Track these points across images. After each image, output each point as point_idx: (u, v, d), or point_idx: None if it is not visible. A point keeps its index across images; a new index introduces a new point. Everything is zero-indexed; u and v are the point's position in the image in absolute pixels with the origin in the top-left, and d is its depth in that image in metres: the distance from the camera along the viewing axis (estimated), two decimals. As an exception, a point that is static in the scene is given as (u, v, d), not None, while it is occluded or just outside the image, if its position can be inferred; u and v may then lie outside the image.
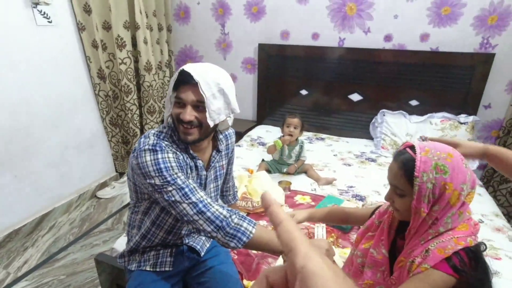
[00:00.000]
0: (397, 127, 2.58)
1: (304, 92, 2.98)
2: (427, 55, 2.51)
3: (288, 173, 2.20)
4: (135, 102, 2.74)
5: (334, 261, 0.98)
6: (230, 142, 1.27)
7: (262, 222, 1.65)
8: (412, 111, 2.63)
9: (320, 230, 1.56)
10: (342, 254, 1.40)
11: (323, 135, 2.95)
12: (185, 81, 0.99)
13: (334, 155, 2.54)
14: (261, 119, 3.22)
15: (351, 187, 2.05)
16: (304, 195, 1.91)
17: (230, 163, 1.42)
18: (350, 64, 2.73)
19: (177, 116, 1.03)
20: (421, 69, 2.54)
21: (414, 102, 2.66)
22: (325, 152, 2.60)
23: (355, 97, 2.82)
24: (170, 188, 0.98)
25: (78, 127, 2.55)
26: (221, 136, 1.23)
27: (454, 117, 2.47)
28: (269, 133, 2.93)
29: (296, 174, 2.20)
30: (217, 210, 0.99)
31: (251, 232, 0.98)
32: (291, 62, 2.92)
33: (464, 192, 0.79)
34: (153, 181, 0.98)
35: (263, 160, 2.31)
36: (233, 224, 0.98)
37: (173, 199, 0.98)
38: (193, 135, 1.05)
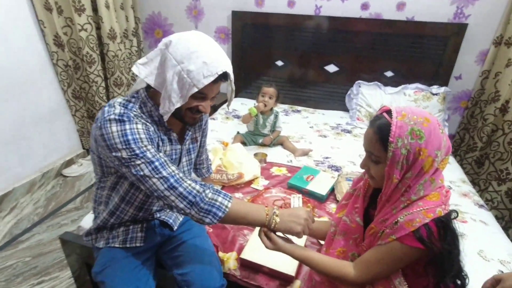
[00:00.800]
0: (372, 98, 2.58)
1: (280, 63, 2.90)
2: (403, 25, 2.48)
3: (263, 145, 2.16)
4: (100, 74, 2.55)
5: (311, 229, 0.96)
6: (203, 114, 1.19)
7: (238, 195, 1.61)
8: (387, 82, 2.63)
9: (296, 200, 1.54)
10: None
11: (299, 107, 2.91)
12: (217, 79, 0.90)
13: (310, 127, 2.52)
14: (236, 92, 3.12)
15: (327, 158, 2.05)
16: (280, 166, 1.88)
17: (203, 135, 1.35)
18: (326, 34, 2.66)
19: (194, 108, 0.97)
20: (397, 39, 2.53)
21: (389, 73, 2.66)
22: (301, 124, 2.57)
23: (331, 68, 2.77)
24: (138, 162, 0.90)
25: (35, 100, 2.33)
26: None
27: (426, 88, 2.50)
28: (244, 106, 2.85)
29: (272, 146, 2.17)
30: (189, 185, 0.93)
31: (226, 206, 0.93)
32: (266, 31, 2.80)
33: (438, 159, 0.77)
34: (119, 154, 0.89)
35: (238, 132, 2.25)
36: (207, 199, 0.92)
37: (141, 173, 0.90)
38: (198, 119, 1.04)
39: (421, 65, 2.57)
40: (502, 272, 1.22)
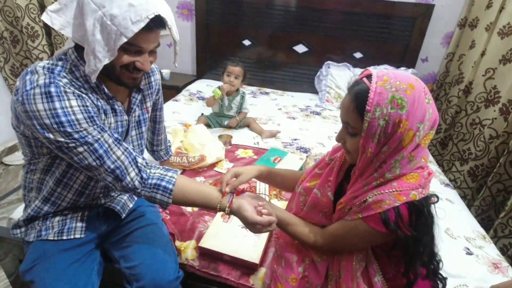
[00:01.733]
0: (342, 79, 2.53)
1: (247, 42, 2.75)
2: (371, 4, 2.42)
3: (229, 127, 2.03)
4: (46, 49, 2.27)
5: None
6: (153, 80, 1.04)
7: (200, 179, 1.48)
8: (356, 63, 2.58)
9: (262, 184, 1.44)
10: (285, 207, 1.30)
11: (268, 89, 2.80)
12: (150, 26, 0.74)
13: (279, 109, 2.43)
14: (201, 73, 2.95)
15: (295, 139, 1.96)
16: (246, 149, 1.77)
17: (158, 108, 1.19)
18: (295, 12, 2.55)
19: (129, 65, 0.80)
20: (366, 19, 2.47)
21: (358, 55, 2.61)
22: (269, 106, 2.47)
23: (300, 48, 2.67)
24: (80, 149, 0.77)
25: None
26: None
27: (394, 69, 2.48)
28: (210, 88, 2.69)
29: (238, 128, 2.05)
30: (141, 162, 0.85)
31: (175, 178, 0.86)
32: (233, 8, 2.64)
33: (419, 133, 0.68)
34: (52, 137, 0.74)
35: (202, 114, 2.10)
36: (157, 174, 0.85)
37: (86, 162, 0.78)
38: (140, 78, 0.87)
39: (389, 46, 2.54)
40: (469, 249, 1.20)
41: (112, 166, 0.79)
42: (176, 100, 2.42)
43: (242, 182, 0.90)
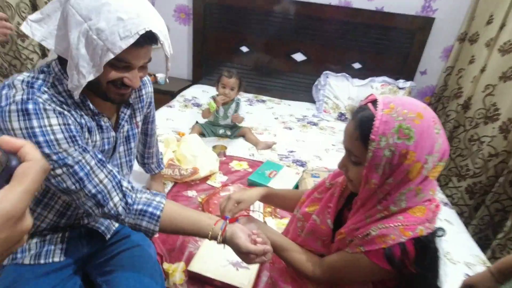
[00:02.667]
0: (340, 90, 2.49)
1: (244, 49, 2.71)
2: (372, 15, 2.39)
3: (225, 136, 1.98)
4: (36, 50, 2.19)
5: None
6: (145, 93, 0.98)
7: (192, 193, 1.42)
8: (354, 74, 2.55)
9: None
10: (280, 225, 1.25)
11: (264, 97, 2.75)
12: (140, 42, 0.68)
13: (275, 118, 2.38)
14: (197, 78, 2.89)
15: (292, 151, 1.91)
16: (241, 160, 1.72)
17: (149, 121, 1.14)
18: (294, 20, 2.51)
19: (116, 81, 0.74)
20: (365, 30, 2.44)
21: (357, 65, 2.57)
22: (266, 115, 2.42)
23: (299, 56, 2.63)
24: (58, 171, 0.71)
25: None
26: None
27: (393, 81, 2.45)
28: (206, 94, 2.63)
29: (233, 138, 1.99)
30: (126, 186, 0.80)
31: (163, 203, 0.80)
32: (231, 13, 2.59)
33: (427, 165, 0.63)
34: None
35: (196, 122, 2.04)
36: (144, 199, 0.80)
37: (64, 185, 0.72)
38: (128, 94, 0.81)
39: (388, 58, 2.51)
40: (468, 275, 1.16)
41: (93, 191, 0.73)
42: (171, 106, 2.36)
43: (242, 209, 0.86)
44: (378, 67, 2.52)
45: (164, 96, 2.61)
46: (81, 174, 0.71)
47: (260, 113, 2.44)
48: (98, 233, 0.95)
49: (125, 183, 0.78)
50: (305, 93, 2.74)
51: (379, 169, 0.64)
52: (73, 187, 0.71)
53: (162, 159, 1.36)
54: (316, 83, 2.64)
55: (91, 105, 0.78)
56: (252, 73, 2.77)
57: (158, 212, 0.77)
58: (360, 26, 2.43)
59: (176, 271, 1.01)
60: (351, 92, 2.46)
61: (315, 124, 2.36)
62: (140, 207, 0.77)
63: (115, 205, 0.75)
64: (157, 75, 2.75)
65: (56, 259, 0.88)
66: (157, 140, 1.28)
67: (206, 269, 0.98)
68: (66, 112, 0.72)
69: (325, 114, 2.48)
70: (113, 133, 0.88)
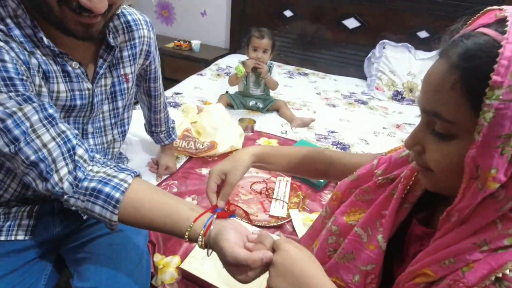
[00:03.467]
0: (398, 63, 2.07)
1: (288, 13, 2.38)
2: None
3: (256, 109, 1.73)
4: None
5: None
6: (138, 36, 0.75)
7: (206, 171, 1.21)
8: (418, 44, 2.10)
9: (282, 186, 1.13)
10: (308, 221, 0.99)
11: (307, 70, 2.42)
12: None
13: (317, 94, 2.06)
14: (234, 47, 2.64)
15: (333, 132, 1.61)
16: (271, 138, 1.46)
17: (150, 78, 0.92)
18: (349, -23, 2.12)
19: (71, 1, 0.51)
20: (439, -11, 1.97)
21: (423, 34, 2.12)
22: (306, 89, 2.11)
23: (351, 23, 2.24)
24: None
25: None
26: (116, 22, 0.71)
27: (469, 55, 1.98)
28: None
29: (265, 112, 1.73)
30: (81, 155, 0.58)
31: (127, 183, 0.57)
32: (275, -30, 2.27)
33: None
34: None
35: (226, 92, 1.81)
36: (101, 174, 0.57)
37: None
38: (97, 25, 0.57)
39: (468, 12, 2.02)
40: None
41: (32, 157, 0.53)
42: (201, 75, 2.15)
43: (233, 185, 0.60)
44: (451, 36, 2.05)
45: (197, 64, 2.42)
46: (16, 132, 0.51)
47: (301, 87, 2.13)
48: (73, 211, 0.76)
49: (80, 150, 0.57)
50: (355, 67, 2.36)
51: (506, 148, 0.33)
52: (6, 149, 0.52)
53: (174, 128, 1.15)
54: (369, 55, 2.24)
55: (44, 39, 0.56)
56: (296, 42, 2.45)
57: (117, 195, 0.55)
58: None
59: (168, 266, 0.81)
60: (413, 67, 2.04)
61: (364, 102, 2.00)
62: (92, 184, 0.56)
63: (60, 179, 0.55)
64: (192, 41, 2.55)
65: (20, 237, 0.71)
66: (165, 104, 1.06)
67: (203, 270, 0.76)
68: (2, 44, 0.52)
69: (378, 92, 2.10)
70: (88, 85, 0.67)
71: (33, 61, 0.56)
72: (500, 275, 0.34)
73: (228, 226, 0.53)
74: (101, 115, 0.74)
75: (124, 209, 0.55)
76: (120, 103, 0.76)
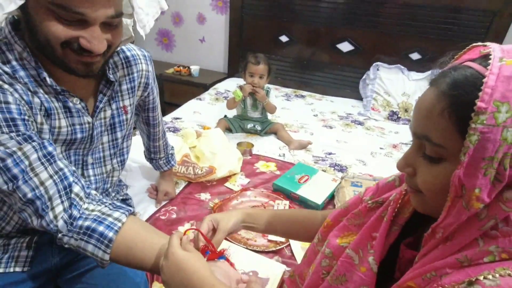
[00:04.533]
0: (393, 85, 2.12)
1: (284, 38, 2.45)
2: (438, -5, 2.00)
3: (254, 132, 1.76)
4: None
5: None
6: (136, 70, 0.78)
7: (205, 195, 1.21)
8: (411, 66, 2.16)
9: (281, 204, 1.14)
10: (307, 245, 0.99)
11: (304, 92, 2.47)
12: None
13: (314, 115, 2.10)
14: (232, 71, 2.70)
15: (330, 154, 1.62)
16: (269, 161, 1.48)
17: (148, 108, 0.95)
18: (343, 4, 2.20)
19: (71, 42, 0.55)
20: (428, 13, 2.04)
21: (415, 55, 2.18)
22: (304, 111, 2.15)
23: (345, 46, 2.31)
24: None
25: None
26: (116, 58, 0.74)
27: (461, 75, 2.03)
28: (240, 87, 2.44)
29: (263, 135, 1.76)
30: (77, 192, 0.60)
31: (121, 221, 0.58)
32: (271, -1, 2.36)
33: None
34: None
35: (225, 116, 1.84)
36: (96, 213, 0.59)
37: None
38: (97, 64, 0.60)
39: (456, 47, 2.08)
40: None
41: (29, 195, 0.54)
42: (200, 99, 2.20)
43: (225, 232, 0.62)
44: (442, 57, 2.11)
45: (197, 89, 2.47)
46: (15, 170, 0.53)
47: (298, 109, 2.17)
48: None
49: (76, 188, 0.58)
50: (351, 89, 2.41)
51: (491, 168, 0.35)
52: (5, 186, 0.54)
53: (173, 154, 1.17)
54: (364, 77, 2.29)
55: (47, 79, 0.59)
56: (292, 65, 2.51)
57: (110, 234, 0.55)
58: (421, 9, 2.05)
59: (166, 295, 0.80)
60: (407, 87, 2.09)
61: (360, 123, 2.03)
62: (87, 223, 0.56)
63: (55, 217, 0.56)
64: (191, 67, 2.62)
65: (18, 269, 0.71)
66: (164, 132, 1.09)
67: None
68: (6, 87, 0.55)
69: (374, 113, 2.14)
70: (88, 118, 0.69)
71: (36, 100, 0.59)
72: (474, 279, 0.36)
73: (217, 271, 0.53)
74: (100, 146, 0.77)
75: (116, 248, 0.56)
76: (119, 134, 0.79)
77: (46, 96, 0.61)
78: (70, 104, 0.65)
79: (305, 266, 0.66)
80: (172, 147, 1.19)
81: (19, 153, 0.53)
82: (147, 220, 1.07)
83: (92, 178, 0.76)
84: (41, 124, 0.60)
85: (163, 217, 1.09)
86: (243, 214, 0.66)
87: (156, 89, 0.94)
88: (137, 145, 1.17)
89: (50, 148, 0.57)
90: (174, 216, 1.10)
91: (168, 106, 2.52)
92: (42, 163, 0.56)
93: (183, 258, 0.51)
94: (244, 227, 0.67)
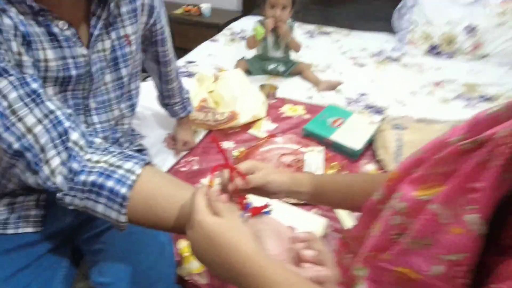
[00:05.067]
0: (435, 12, 1.83)
1: (306, -36, 2.13)
2: None
3: (276, 74, 1.58)
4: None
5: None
6: None
7: (228, 144, 1.10)
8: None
9: (314, 157, 1.01)
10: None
11: (329, 28, 2.20)
12: None
13: (342, 53, 1.87)
14: (248, 9, 2.43)
15: (364, 94, 1.45)
16: (296, 104, 1.32)
17: (156, 40, 0.79)
18: None
19: None
20: None
21: (464, -25, 1.84)
22: (330, 49, 1.92)
23: (378, -31, 1.98)
24: None
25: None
26: None
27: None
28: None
29: (286, 77, 1.58)
30: (76, 140, 0.46)
31: (136, 174, 0.45)
32: None
33: None
34: None
35: (243, 57, 1.65)
36: (102, 165, 0.46)
37: None
38: None
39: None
40: None
41: (16, 146, 0.42)
42: (214, 41, 1.99)
43: (258, 183, 0.47)
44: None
45: (208, 30, 2.25)
46: None
47: (323, 48, 1.94)
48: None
49: (74, 135, 0.46)
50: (383, 21, 2.12)
51: None
52: None
53: (189, 99, 1.04)
54: (400, 5, 1.99)
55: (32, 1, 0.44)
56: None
57: (123, 190, 0.43)
58: None
59: (194, 254, 0.72)
60: (453, 14, 1.79)
61: (395, 60, 1.80)
62: (92, 178, 0.44)
63: (52, 172, 0.44)
64: (201, 5, 2.36)
65: (29, 230, 0.64)
66: (177, 72, 0.94)
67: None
68: None
69: (411, 47, 1.88)
70: (82, 50, 0.55)
71: (6, 21, 0.44)
72: None
73: (264, 233, 0.41)
74: (103, 87, 0.63)
75: (133, 207, 0.44)
76: (123, 71, 0.64)
77: (20, 17, 0.46)
78: (56, 30, 0.50)
79: (361, 227, 0.54)
80: (188, 90, 1.04)
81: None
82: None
83: (97, 126, 0.64)
84: (18, 54, 0.46)
85: (183, 169, 0.99)
86: (289, 177, 0.51)
87: (164, 17, 0.77)
88: (149, 91, 1.04)
89: (34, 85, 0.44)
90: (195, 167, 1.00)
91: (179, 51, 2.32)
92: (26, 104, 0.43)
93: (215, 230, 0.38)
94: (288, 194, 0.52)
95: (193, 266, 0.70)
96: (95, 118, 0.64)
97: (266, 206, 0.46)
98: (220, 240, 0.37)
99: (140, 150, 0.88)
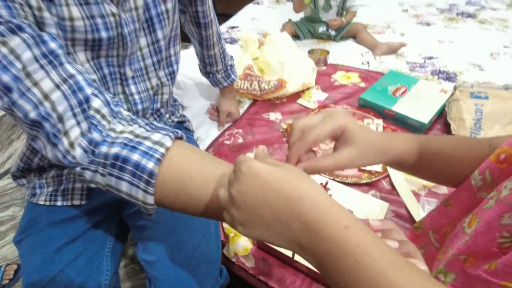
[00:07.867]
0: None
1: None
2: None
3: (327, 37, 1.42)
4: None
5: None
6: None
7: (275, 115, 1.01)
8: None
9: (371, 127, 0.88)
10: (410, 176, 0.76)
11: (388, -18, 1.94)
12: None
13: (404, 11, 1.64)
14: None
15: (431, 58, 1.25)
16: (349, 71, 1.18)
17: None
18: None
19: None
20: None
21: None
22: (389, 7, 1.70)
23: None
24: None
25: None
26: None
27: None
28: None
29: (338, 40, 1.42)
30: (98, 107, 0.40)
31: (165, 147, 0.37)
32: None
33: None
34: None
35: (289, 20, 1.51)
36: (126, 135, 0.39)
37: None
38: None
39: None
40: None
41: (32, 114, 0.36)
42: (258, 3, 1.85)
43: (315, 142, 0.35)
44: None
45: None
46: (5, 77, 0.35)
47: (380, 4, 1.72)
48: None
49: (97, 102, 0.39)
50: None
51: None
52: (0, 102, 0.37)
53: (232, 66, 0.95)
54: None
55: None
56: None
57: (150, 165, 0.36)
58: None
59: (240, 235, 0.67)
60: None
61: (470, 15, 1.54)
62: (114, 150, 0.37)
63: (71, 144, 0.38)
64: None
65: (76, 202, 0.62)
66: (220, 36, 0.85)
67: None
68: None
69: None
70: (112, 8, 0.48)
71: None
72: None
73: None
74: (139, 53, 0.57)
75: (161, 186, 0.37)
76: (160, 34, 0.57)
77: None
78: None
79: (445, 218, 0.43)
80: (231, 57, 0.96)
81: (4, 50, 0.35)
82: (209, 146, 0.92)
83: (136, 96, 0.59)
84: (38, 10, 0.40)
85: (227, 142, 0.93)
86: (384, 134, 0.38)
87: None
88: (191, 59, 0.97)
89: (52, 45, 0.38)
90: (240, 140, 0.94)
91: (221, 17, 2.22)
92: (42, 66, 0.37)
93: (276, 176, 0.27)
94: (378, 159, 0.37)
95: (239, 248, 0.66)
96: (133, 88, 0.59)
97: (325, 186, 0.38)
98: (285, 189, 0.27)
99: (182, 122, 0.83)
